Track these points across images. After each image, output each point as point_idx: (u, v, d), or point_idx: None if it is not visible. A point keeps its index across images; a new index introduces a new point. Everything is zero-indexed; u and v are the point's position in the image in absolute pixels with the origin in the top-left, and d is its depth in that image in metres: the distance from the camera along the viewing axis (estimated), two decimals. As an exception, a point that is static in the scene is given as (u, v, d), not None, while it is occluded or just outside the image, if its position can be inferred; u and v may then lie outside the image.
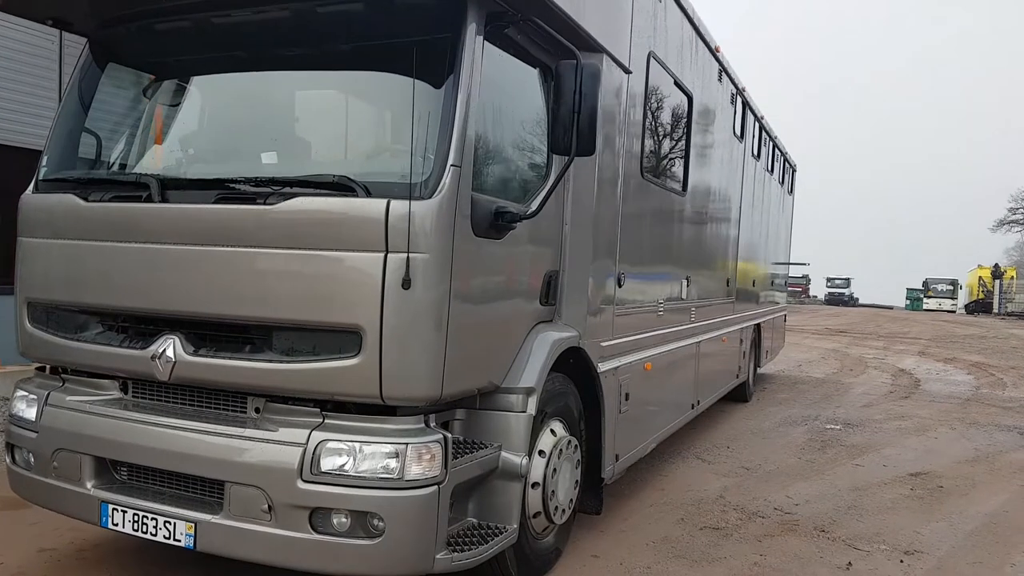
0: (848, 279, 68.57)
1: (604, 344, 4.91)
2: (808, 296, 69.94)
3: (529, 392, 3.95)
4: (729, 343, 9.12)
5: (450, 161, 3.34)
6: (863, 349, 21.06)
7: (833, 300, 64.81)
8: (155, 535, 3.56)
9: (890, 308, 61.88)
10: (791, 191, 14.04)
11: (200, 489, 3.62)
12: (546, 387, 4.23)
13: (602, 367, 4.86)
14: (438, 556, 3.40)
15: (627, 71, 4.98)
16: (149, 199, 3.70)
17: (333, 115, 3.91)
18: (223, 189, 3.60)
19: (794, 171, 14.19)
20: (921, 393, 12.86)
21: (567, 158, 3.66)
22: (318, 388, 3.42)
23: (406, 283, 3.24)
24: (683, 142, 6.63)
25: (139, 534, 3.62)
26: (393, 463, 3.29)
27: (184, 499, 3.62)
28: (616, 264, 5.08)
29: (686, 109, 6.62)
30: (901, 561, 5.04)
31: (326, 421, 3.42)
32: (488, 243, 3.68)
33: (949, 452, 8.32)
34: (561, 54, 3.89)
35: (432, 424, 3.47)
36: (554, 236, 4.44)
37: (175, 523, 3.52)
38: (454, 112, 3.38)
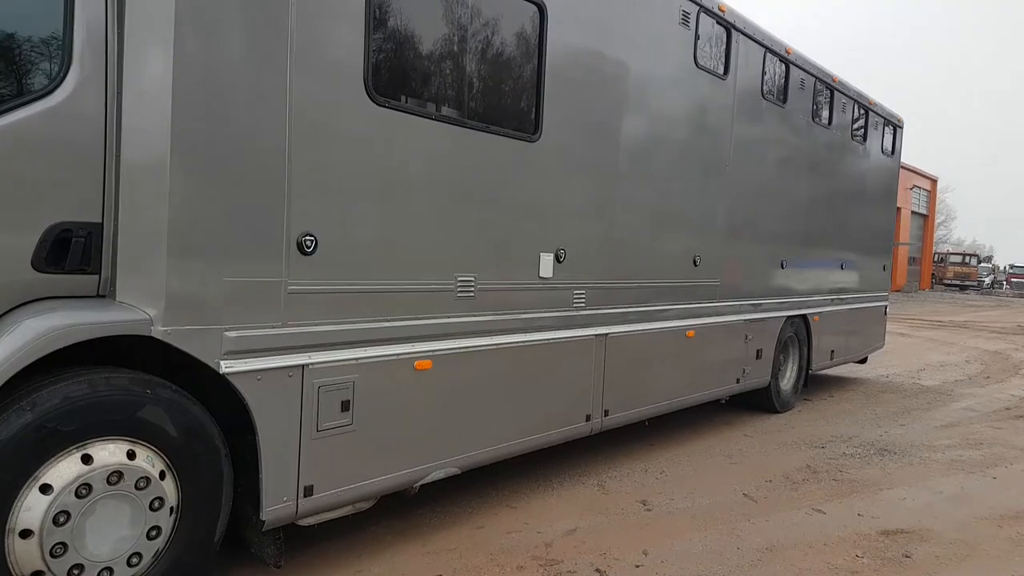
0: (1099, 269, 57.66)
1: (243, 335, 3.49)
2: (1040, 288, 59.89)
3: None
4: (705, 339, 7.13)
5: None
6: (1040, 352, 16.97)
7: (1074, 294, 54.71)
8: None
9: None
10: (890, 152, 11.24)
11: None
12: (66, 393, 3.02)
13: (240, 366, 3.50)
14: None
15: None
16: None
17: None
18: None
19: (896, 127, 11.34)
20: (1056, 413, 9.75)
21: None
22: None
23: None
24: (526, 71, 4.97)
25: None
26: None
27: None
28: (288, 221, 3.66)
29: (535, 24, 4.95)
30: None
31: None
32: None
33: (987, 502, 5.85)
34: None
35: None
36: (76, 168, 3.16)
37: None
38: None
